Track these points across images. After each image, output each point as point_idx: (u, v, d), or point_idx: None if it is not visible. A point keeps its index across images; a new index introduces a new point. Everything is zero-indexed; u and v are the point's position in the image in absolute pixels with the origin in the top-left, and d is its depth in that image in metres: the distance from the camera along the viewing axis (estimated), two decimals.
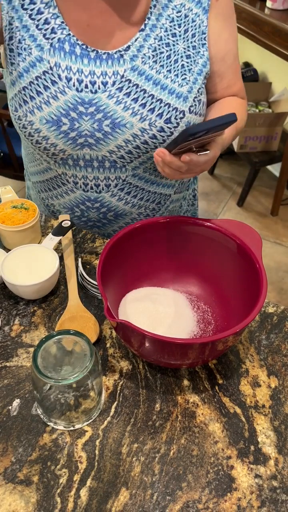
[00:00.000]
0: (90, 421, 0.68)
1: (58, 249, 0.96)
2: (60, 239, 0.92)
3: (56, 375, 0.62)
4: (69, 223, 0.95)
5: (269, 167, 3.02)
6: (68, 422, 0.67)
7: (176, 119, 0.84)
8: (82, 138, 0.85)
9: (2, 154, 2.10)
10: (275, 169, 2.96)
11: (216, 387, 0.74)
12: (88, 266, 0.86)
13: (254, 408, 0.71)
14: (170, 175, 0.75)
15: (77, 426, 0.68)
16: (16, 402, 0.70)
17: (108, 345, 0.79)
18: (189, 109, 0.85)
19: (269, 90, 2.79)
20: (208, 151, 0.72)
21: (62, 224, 0.95)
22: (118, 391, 0.72)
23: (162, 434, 0.68)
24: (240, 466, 0.65)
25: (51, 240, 0.91)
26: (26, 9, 0.81)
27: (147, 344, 0.67)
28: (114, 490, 0.62)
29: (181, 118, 0.84)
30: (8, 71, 0.87)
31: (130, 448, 0.66)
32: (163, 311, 0.81)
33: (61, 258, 0.94)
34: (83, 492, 0.61)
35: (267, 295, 0.67)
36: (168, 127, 0.83)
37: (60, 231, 0.93)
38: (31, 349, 0.78)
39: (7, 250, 0.92)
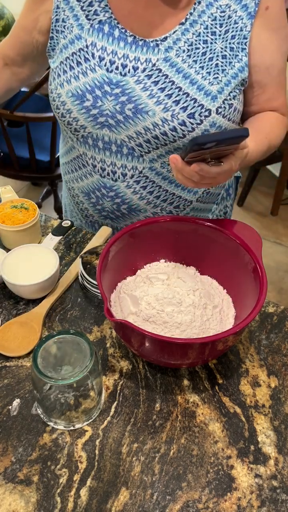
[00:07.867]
0: (90, 421, 0.68)
1: (58, 249, 0.97)
2: (60, 239, 0.93)
3: (56, 375, 0.62)
4: (69, 222, 0.95)
5: (269, 167, 3.01)
6: (68, 422, 0.67)
7: (200, 116, 0.83)
8: (103, 118, 0.87)
9: (2, 154, 2.10)
10: (275, 168, 2.95)
11: (216, 387, 0.74)
12: (88, 266, 0.86)
13: (254, 408, 0.71)
14: (184, 183, 0.73)
15: (77, 426, 0.68)
16: (16, 402, 0.71)
17: (108, 345, 0.79)
18: (217, 110, 0.84)
19: None
20: (221, 164, 0.70)
21: (62, 224, 0.95)
22: (118, 391, 0.72)
23: (162, 434, 0.68)
24: (240, 466, 0.65)
25: (51, 240, 0.91)
26: None
27: (147, 344, 0.67)
28: (114, 490, 0.62)
29: (205, 116, 0.83)
30: (52, 49, 0.92)
31: (130, 448, 0.66)
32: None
33: (61, 258, 0.95)
34: (83, 492, 0.61)
35: (267, 295, 0.66)
36: (190, 122, 0.83)
37: (60, 231, 0.93)
38: None
39: (7, 250, 0.92)
